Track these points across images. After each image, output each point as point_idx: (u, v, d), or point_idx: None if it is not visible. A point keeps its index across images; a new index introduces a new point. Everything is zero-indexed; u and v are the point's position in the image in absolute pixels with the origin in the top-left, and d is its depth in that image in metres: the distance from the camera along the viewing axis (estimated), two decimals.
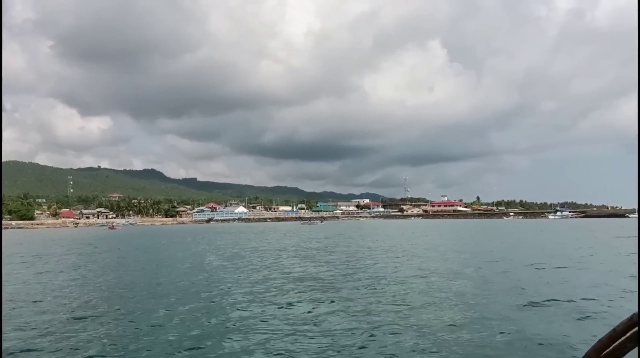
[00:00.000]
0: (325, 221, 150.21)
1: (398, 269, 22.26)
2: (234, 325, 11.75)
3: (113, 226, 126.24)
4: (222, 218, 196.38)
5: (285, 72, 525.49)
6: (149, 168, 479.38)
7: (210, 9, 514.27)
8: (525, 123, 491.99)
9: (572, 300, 13.53)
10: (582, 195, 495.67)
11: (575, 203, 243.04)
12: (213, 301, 15.26)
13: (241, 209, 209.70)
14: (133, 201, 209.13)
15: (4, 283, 21.13)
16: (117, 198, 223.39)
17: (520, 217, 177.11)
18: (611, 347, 1.15)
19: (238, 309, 13.86)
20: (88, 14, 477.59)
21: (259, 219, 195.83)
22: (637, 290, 14.94)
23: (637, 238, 22.88)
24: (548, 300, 13.51)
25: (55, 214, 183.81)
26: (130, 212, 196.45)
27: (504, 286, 16.38)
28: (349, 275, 20.95)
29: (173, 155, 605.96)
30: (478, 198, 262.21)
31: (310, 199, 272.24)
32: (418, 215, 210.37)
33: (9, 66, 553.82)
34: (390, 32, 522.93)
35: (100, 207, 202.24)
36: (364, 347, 9.33)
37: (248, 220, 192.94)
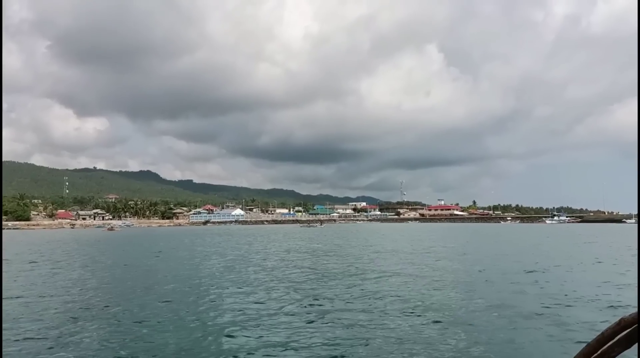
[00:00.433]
0: (325, 224, 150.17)
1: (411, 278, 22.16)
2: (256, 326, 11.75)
3: (112, 227, 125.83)
4: (219, 220, 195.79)
5: (283, 75, 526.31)
6: (145, 169, 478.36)
7: (208, 11, 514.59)
8: (521, 128, 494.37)
9: None
10: (577, 200, 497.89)
11: (570, 208, 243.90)
12: (241, 307, 15.27)
13: (238, 211, 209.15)
14: (130, 202, 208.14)
15: (19, 283, 21.03)
16: (113, 199, 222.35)
17: (518, 221, 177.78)
18: (599, 351, 1.17)
19: (263, 315, 13.86)
20: (86, 14, 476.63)
21: (256, 222, 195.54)
22: (637, 294, 14.98)
23: (637, 242, 23.03)
24: None
25: (51, 215, 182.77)
26: (127, 213, 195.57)
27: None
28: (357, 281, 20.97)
29: (169, 157, 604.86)
30: (474, 202, 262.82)
31: (307, 202, 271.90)
32: (415, 219, 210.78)
33: (6, 66, 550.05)
34: (387, 36, 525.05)
35: (96, 208, 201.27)
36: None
37: (245, 222, 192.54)
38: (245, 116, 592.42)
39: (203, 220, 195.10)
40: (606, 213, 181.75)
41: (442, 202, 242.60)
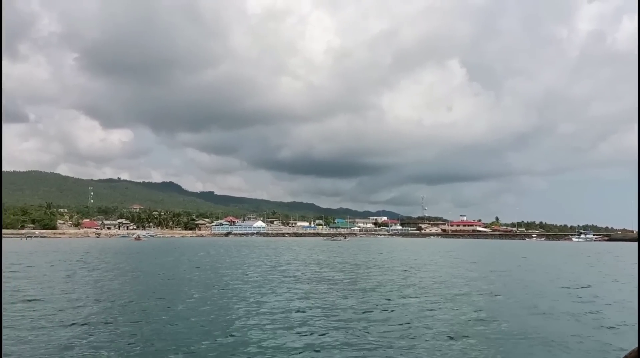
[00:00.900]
0: (349, 238, 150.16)
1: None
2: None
3: (139, 237, 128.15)
4: (240, 232, 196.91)
5: (304, 89, 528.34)
6: (168, 181, 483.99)
7: (231, 25, 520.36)
8: (544, 145, 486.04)
9: None
10: (602, 218, 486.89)
11: (595, 226, 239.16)
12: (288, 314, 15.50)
13: (259, 223, 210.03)
14: (154, 213, 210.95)
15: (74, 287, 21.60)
16: (137, 210, 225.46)
17: (543, 239, 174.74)
18: None
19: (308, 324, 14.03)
20: (112, 28, 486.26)
21: (277, 234, 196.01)
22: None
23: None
24: None
25: (77, 224, 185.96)
26: (151, 224, 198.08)
27: None
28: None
29: (191, 168, 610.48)
30: (497, 218, 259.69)
31: (327, 216, 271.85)
32: (437, 234, 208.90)
33: (34, 77, 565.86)
34: (409, 51, 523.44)
35: (121, 218, 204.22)
36: None
37: (266, 235, 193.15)
38: (267, 129, 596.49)
39: (225, 232, 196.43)
40: (634, 232, 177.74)
41: (465, 218, 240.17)
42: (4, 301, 17.94)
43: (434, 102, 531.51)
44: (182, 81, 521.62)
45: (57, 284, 23.45)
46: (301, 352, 10.70)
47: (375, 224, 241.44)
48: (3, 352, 9.59)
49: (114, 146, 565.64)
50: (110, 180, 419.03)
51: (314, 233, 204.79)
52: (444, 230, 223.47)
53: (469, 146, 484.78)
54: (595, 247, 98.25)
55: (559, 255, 64.18)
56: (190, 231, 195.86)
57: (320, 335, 12.33)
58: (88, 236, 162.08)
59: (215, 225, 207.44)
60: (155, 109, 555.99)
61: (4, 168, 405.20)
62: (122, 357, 10.27)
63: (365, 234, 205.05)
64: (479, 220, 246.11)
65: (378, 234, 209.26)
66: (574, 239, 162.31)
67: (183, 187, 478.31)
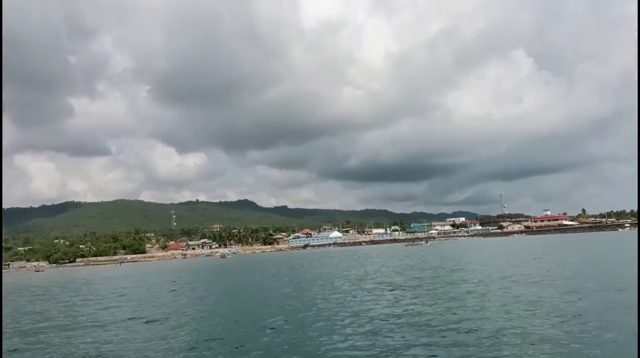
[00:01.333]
0: (430, 242, 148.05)
1: None
2: None
3: (224, 255, 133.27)
4: (317, 243, 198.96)
5: (366, 96, 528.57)
6: (242, 199, 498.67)
7: (289, 43, 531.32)
8: (625, 129, 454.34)
9: None
10: None
11: None
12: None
13: (336, 233, 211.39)
14: (233, 230, 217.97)
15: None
16: (218, 229, 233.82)
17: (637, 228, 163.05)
18: None
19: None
20: (179, 59, 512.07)
21: (354, 243, 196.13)
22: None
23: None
24: None
25: (164, 247, 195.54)
26: (231, 241, 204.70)
27: None
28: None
29: (263, 185, 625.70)
30: (583, 210, 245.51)
31: (403, 221, 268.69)
32: (520, 231, 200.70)
33: (112, 112, 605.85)
34: (470, 47, 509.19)
35: (203, 238, 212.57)
36: None
37: (343, 244, 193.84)
38: (333, 140, 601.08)
39: (302, 244, 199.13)
40: None
41: (549, 212, 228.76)
42: (127, 322, 19.36)
43: (502, 96, 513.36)
44: (247, 102, 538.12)
45: (184, 304, 24.86)
46: None
47: (453, 225, 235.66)
48: None
49: (190, 169, 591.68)
50: (189, 202, 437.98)
51: (391, 239, 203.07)
52: (527, 227, 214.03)
53: (544, 137, 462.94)
54: None
55: None
56: (269, 246, 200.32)
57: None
58: (175, 258, 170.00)
59: (293, 238, 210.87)
60: (225, 131, 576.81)
61: (94, 200, 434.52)
62: None
63: (443, 236, 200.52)
64: (564, 213, 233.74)
65: (457, 236, 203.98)
66: None
67: (257, 203, 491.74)
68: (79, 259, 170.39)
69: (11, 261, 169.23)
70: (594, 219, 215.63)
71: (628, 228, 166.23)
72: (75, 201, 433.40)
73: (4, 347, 15.30)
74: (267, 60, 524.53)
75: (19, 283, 66.20)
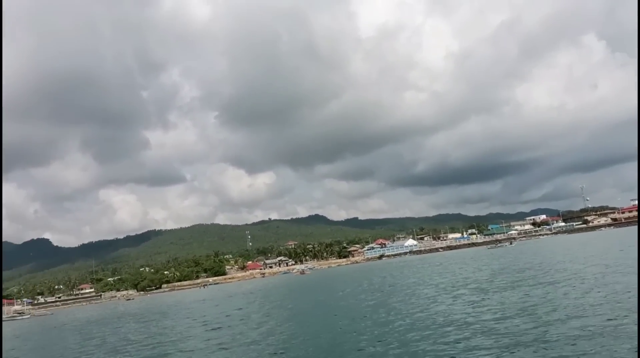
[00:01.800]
0: (515, 242, 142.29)
1: None
2: None
3: (303, 271, 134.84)
4: (393, 253, 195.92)
5: (429, 99, 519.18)
6: (313, 214, 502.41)
7: (348, 55, 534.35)
8: None
9: None
10: None
11: None
12: None
13: (410, 241, 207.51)
14: (308, 246, 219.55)
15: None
16: (293, 246, 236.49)
17: None
18: None
19: None
20: (243, 82, 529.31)
21: (431, 250, 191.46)
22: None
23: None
24: None
25: (242, 267, 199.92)
26: (307, 257, 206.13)
27: None
28: None
29: (333, 198, 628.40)
30: None
31: (479, 224, 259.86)
32: (608, 225, 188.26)
33: (185, 141, 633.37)
34: (536, 36, 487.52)
35: (279, 255, 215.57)
36: None
37: (419, 252, 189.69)
38: (399, 147, 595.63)
39: (378, 255, 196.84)
40: None
41: (637, 202, 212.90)
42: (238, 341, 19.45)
43: (574, 84, 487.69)
44: (311, 117, 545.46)
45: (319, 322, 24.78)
46: None
47: (534, 224, 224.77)
48: None
49: (260, 189, 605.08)
50: (262, 222, 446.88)
51: (468, 244, 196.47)
52: (614, 219, 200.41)
53: (625, 122, 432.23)
54: None
55: None
56: (344, 259, 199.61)
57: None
58: (254, 277, 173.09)
59: (367, 249, 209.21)
60: (291, 148, 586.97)
61: (173, 226, 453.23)
62: None
63: (524, 236, 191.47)
64: None
65: (539, 234, 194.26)
66: None
67: (328, 217, 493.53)
68: (164, 285, 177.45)
69: (102, 291, 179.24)
70: None
71: None
72: (157, 229, 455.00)
73: None
74: (327, 73, 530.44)
75: (115, 312, 69.55)
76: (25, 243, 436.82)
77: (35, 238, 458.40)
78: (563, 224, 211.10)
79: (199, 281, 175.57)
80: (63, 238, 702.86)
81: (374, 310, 25.48)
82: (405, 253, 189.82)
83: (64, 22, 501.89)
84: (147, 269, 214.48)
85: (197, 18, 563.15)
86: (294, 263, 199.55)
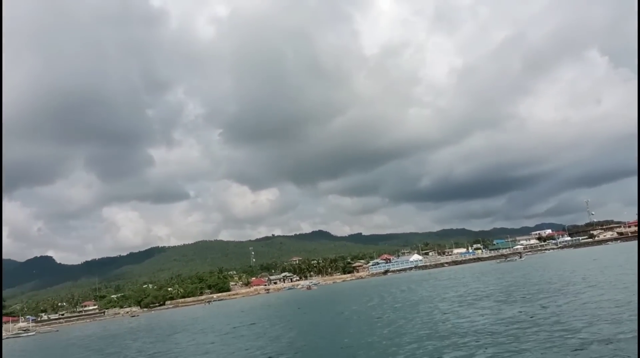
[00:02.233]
0: (525, 256, 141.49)
1: None
2: None
3: (310, 287, 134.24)
4: (398, 268, 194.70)
5: (433, 114, 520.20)
6: (317, 230, 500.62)
7: (352, 72, 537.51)
8: None
9: None
10: None
11: None
12: None
13: (415, 257, 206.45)
14: (312, 262, 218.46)
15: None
16: (297, 261, 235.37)
17: None
18: None
19: None
20: (248, 100, 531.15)
21: (436, 265, 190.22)
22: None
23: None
24: None
25: (247, 284, 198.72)
26: (311, 273, 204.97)
27: None
28: None
29: (336, 214, 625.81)
30: None
31: (485, 239, 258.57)
32: (614, 239, 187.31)
33: (189, 158, 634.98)
34: (540, 51, 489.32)
35: (284, 271, 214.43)
36: None
37: (424, 267, 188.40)
38: (403, 162, 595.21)
39: (383, 270, 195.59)
40: None
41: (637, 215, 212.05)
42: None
43: (578, 98, 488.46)
44: (315, 134, 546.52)
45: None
46: None
47: (539, 239, 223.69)
48: None
49: (264, 205, 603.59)
50: (265, 238, 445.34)
51: (474, 258, 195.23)
52: (620, 233, 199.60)
53: (629, 136, 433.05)
54: None
55: None
56: (349, 275, 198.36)
57: None
58: (259, 293, 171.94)
59: (372, 265, 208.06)
60: (295, 165, 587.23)
61: (177, 243, 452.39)
62: None
63: (530, 251, 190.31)
64: None
65: (546, 249, 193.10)
66: None
67: (331, 233, 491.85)
68: (168, 302, 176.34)
69: (106, 308, 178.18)
70: None
71: None
72: (160, 246, 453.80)
73: None
74: (331, 91, 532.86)
75: (126, 327, 68.96)
76: (29, 261, 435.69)
77: (38, 256, 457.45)
78: (569, 238, 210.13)
79: (202, 297, 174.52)
80: (66, 255, 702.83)
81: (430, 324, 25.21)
82: (411, 268, 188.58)
83: (70, 42, 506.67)
84: (150, 286, 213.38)
85: (203, 37, 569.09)
86: (298, 278, 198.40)
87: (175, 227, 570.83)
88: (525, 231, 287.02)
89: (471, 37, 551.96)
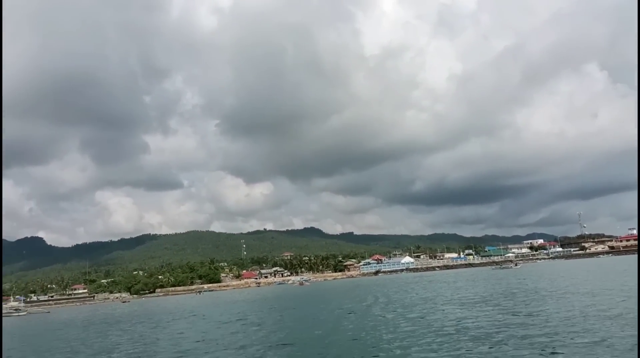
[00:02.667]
0: (520, 265, 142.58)
1: None
2: None
3: (302, 283, 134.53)
4: (389, 269, 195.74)
5: (430, 119, 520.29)
6: (309, 226, 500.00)
7: (351, 72, 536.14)
8: None
9: None
10: None
11: None
12: None
13: (407, 259, 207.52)
14: (304, 258, 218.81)
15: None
16: (289, 257, 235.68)
17: None
18: None
19: None
20: (246, 93, 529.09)
21: (427, 269, 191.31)
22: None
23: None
24: None
25: (238, 276, 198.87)
26: (302, 269, 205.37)
27: None
28: None
29: (329, 212, 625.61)
30: None
31: (476, 245, 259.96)
32: (605, 252, 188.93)
33: (184, 147, 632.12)
34: (539, 63, 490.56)
35: (275, 266, 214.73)
36: None
37: (415, 270, 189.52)
38: (397, 164, 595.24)
39: (374, 270, 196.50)
40: None
41: (634, 231, 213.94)
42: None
43: (575, 112, 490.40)
44: (311, 131, 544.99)
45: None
46: None
47: (531, 248, 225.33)
48: None
49: (257, 199, 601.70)
50: (257, 232, 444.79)
51: (465, 264, 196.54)
52: (611, 247, 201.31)
53: (623, 152, 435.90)
54: None
55: None
56: (340, 273, 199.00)
57: None
58: (249, 286, 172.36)
59: (363, 265, 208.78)
60: (290, 160, 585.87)
61: (168, 231, 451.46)
62: None
63: (522, 260, 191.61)
64: None
65: (536, 258, 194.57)
66: None
67: (323, 231, 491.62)
68: (158, 289, 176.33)
69: (95, 293, 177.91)
70: None
71: None
72: (152, 233, 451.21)
73: None
74: (330, 89, 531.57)
75: (121, 312, 69.09)
76: (19, 241, 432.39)
77: (29, 236, 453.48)
78: (560, 249, 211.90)
79: (193, 287, 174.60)
80: (57, 237, 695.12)
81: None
82: (402, 270, 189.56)
83: (69, 23, 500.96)
84: (140, 273, 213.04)
85: (204, 27, 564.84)
86: (289, 274, 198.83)
87: (168, 215, 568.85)
88: (517, 240, 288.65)
89: (472, 44, 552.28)
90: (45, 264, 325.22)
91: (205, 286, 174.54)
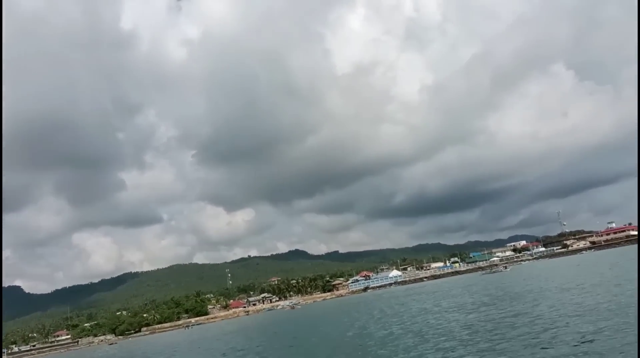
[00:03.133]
0: (510, 267, 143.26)
1: None
2: None
3: (293, 306, 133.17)
4: (377, 284, 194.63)
5: (406, 131, 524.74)
6: (293, 249, 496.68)
7: (325, 91, 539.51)
8: None
9: None
10: None
11: None
12: None
13: (395, 272, 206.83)
14: (292, 281, 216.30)
15: None
16: (276, 282, 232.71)
17: None
18: None
19: None
20: (221, 121, 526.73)
21: (415, 280, 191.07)
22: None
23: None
24: None
25: (225, 306, 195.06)
26: (291, 293, 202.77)
27: None
28: None
29: (313, 232, 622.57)
30: None
31: (461, 252, 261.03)
32: (587, 248, 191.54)
33: (161, 181, 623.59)
34: (507, 67, 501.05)
35: (262, 292, 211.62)
36: None
37: (404, 282, 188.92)
38: (377, 179, 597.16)
39: (362, 287, 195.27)
40: None
41: (613, 225, 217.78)
42: None
43: (546, 112, 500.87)
44: (289, 153, 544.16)
45: None
46: None
47: (514, 250, 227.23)
48: None
49: (239, 226, 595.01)
50: (242, 259, 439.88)
51: (452, 272, 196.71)
52: (593, 242, 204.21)
53: (596, 147, 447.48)
54: None
55: None
56: (328, 293, 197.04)
57: None
58: (238, 316, 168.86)
59: (352, 282, 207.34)
60: (270, 184, 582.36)
61: (150, 268, 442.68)
62: None
63: (507, 263, 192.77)
64: (629, 224, 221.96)
65: (521, 260, 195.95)
66: None
67: (308, 252, 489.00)
68: (144, 328, 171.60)
69: (79, 337, 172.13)
70: None
71: None
72: (133, 271, 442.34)
73: None
74: (304, 110, 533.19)
75: (106, 355, 66.44)
76: None
77: (6, 286, 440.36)
78: (543, 249, 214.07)
79: (180, 322, 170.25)
80: (35, 284, 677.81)
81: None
82: (391, 284, 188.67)
83: (38, 67, 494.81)
84: (124, 313, 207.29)
85: (174, 59, 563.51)
86: (277, 299, 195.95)
87: (149, 252, 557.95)
88: (500, 244, 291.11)
89: (441, 55, 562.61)
90: (24, 313, 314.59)
91: (193, 320, 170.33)
